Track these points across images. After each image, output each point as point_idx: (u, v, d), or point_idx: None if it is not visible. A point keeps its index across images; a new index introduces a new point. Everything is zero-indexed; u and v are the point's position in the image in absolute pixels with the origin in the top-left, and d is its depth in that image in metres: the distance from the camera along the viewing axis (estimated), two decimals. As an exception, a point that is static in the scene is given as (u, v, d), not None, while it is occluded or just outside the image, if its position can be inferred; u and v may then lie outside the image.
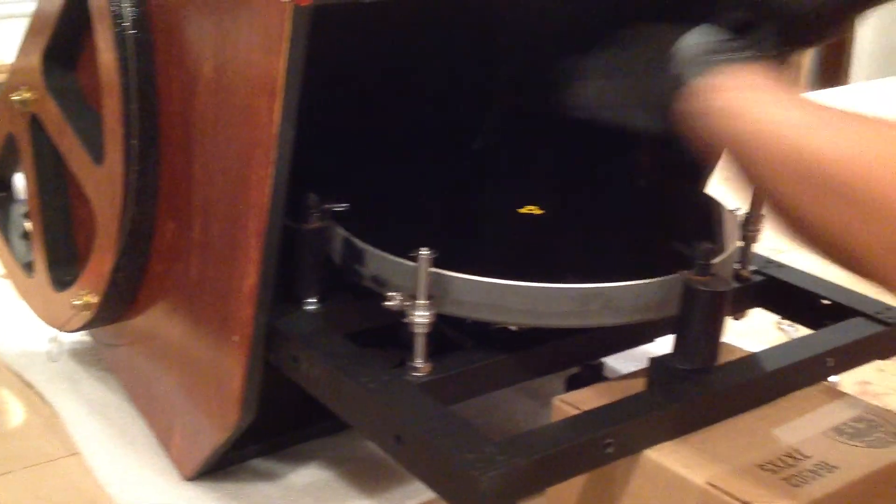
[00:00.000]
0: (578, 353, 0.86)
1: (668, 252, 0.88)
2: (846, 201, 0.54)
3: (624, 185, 0.99)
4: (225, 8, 0.76)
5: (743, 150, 0.61)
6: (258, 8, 0.71)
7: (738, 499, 0.68)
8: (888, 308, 0.88)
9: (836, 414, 0.78)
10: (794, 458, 0.73)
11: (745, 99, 0.62)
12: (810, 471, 0.71)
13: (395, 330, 0.80)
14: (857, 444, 0.75)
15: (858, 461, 0.73)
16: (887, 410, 0.80)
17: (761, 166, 0.59)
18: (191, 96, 0.82)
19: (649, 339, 0.93)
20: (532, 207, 0.94)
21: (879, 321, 0.87)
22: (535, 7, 1.00)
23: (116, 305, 0.95)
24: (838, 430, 0.76)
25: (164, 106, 0.85)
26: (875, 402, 1.13)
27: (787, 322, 1.23)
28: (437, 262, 0.76)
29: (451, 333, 0.88)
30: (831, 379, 1.12)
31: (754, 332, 1.22)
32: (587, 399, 0.78)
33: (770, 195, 0.61)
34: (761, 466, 0.72)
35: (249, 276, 0.79)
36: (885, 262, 0.54)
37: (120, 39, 0.83)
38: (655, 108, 0.68)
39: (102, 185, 0.91)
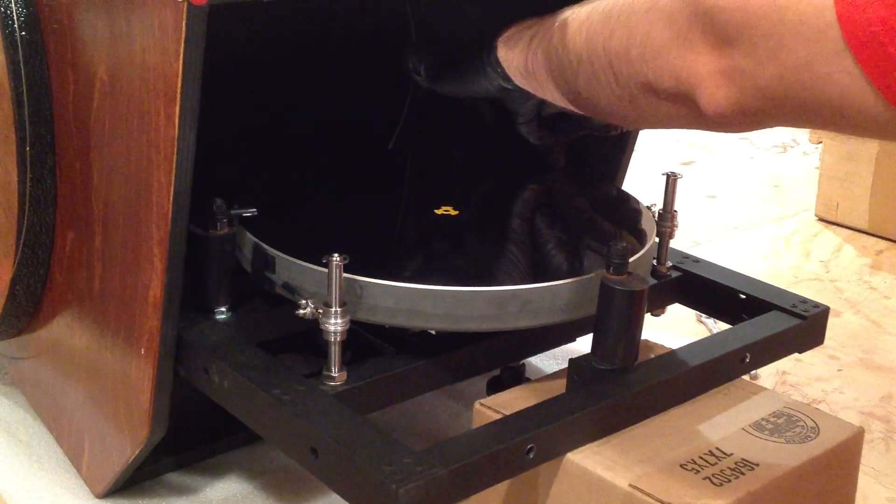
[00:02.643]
0: (499, 356, 0.85)
1: (586, 251, 0.88)
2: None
3: (540, 183, 0.98)
4: (117, 8, 0.73)
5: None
6: (151, 8, 0.68)
7: (661, 500, 0.68)
8: (803, 301, 0.89)
9: (755, 410, 0.78)
10: (716, 456, 0.73)
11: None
12: (732, 469, 0.71)
13: (313, 336, 0.78)
14: (777, 440, 0.75)
15: (778, 458, 0.73)
16: (805, 405, 0.80)
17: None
18: (86, 100, 0.79)
19: (570, 339, 0.92)
20: (448, 208, 0.92)
21: (795, 314, 0.87)
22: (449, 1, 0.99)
23: (17, 318, 0.92)
24: (758, 427, 0.76)
25: (60, 111, 0.82)
26: (792, 391, 1.14)
27: (706, 315, 1.24)
28: (349, 268, 0.74)
29: (370, 339, 0.86)
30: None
31: (675, 325, 1.23)
32: (508, 402, 0.77)
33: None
34: (683, 466, 0.71)
35: (154, 285, 0.76)
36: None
37: (9, 42, 0.79)
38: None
39: (-3, 193, 0.88)
